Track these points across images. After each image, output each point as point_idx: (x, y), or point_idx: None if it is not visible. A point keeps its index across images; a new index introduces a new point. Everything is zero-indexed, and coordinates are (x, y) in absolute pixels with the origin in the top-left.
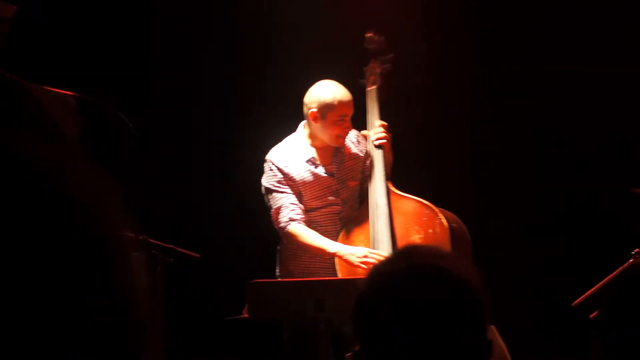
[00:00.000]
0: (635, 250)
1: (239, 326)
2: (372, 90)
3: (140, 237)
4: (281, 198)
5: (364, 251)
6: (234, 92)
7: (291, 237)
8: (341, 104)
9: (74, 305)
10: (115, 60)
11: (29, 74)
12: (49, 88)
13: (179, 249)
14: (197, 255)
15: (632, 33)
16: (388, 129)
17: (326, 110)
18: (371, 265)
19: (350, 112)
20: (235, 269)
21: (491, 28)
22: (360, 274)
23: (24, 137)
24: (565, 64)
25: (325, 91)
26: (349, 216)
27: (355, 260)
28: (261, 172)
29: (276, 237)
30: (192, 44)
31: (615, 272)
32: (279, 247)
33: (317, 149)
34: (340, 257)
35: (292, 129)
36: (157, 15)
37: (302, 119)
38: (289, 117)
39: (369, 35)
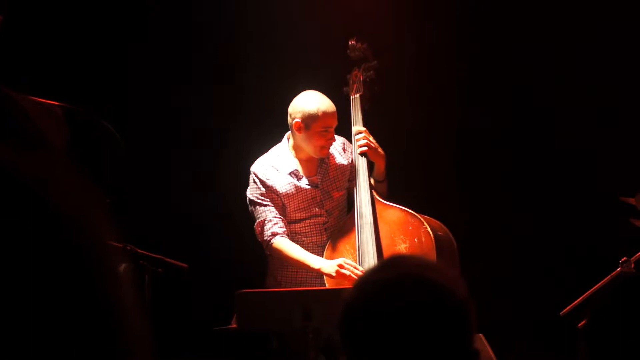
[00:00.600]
0: (623, 259)
1: (228, 336)
2: (355, 98)
3: (128, 247)
4: (264, 211)
5: (338, 261)
6: (219, 101)
7: (275, 252)
8: (325, 114)
9: (62, 314)
10: (100, 70)
11: (14, 84)
12: (35, 98)
13: (167, 259)
14: (185, 265)
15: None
16: (372, 135)
17: (310, 121)
18: (347, 276)
19: (334, 123)
20: (223, 279)
21: (480, 32)
22: (348, 284)
23: (9, 148)
24: (558, 67)
25: (310, 102)
26: (335, 226)
27: (332, 271)
28: (247, 182)
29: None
30: (176, 52)
31: (603, 281)
32: (269, 257)
33: (301, 160)
34: (324, 273)
35: (278, 137)
36: (142, 25)
37: (284, 129)
38: (275, 125)
39: (351, 42)
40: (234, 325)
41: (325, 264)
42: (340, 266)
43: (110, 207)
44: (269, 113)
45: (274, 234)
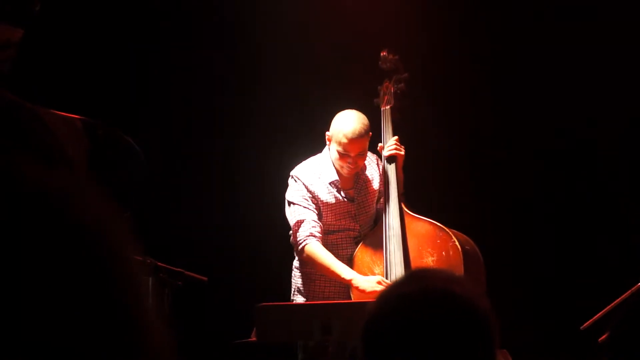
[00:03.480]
0: None
1: (248, 349)
2: (386, 110)
3: (148, 261)
4: (304, 212)
5: (377, 278)
6: (242, 113)
7: (307, 254)
8: (345, 138)
9: (86, 330)
10: (118, 83)
11: (34, 97)
12: (55, 111)
13: (187, 272)
14: (205, 278)
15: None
16: (402, 144)
17: (335, 138)
18: None
19: (353, 151)
20: (243, 292)
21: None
22: (373, 297)
23: (31, 161)
24: (569, 75)
25: (341, 121)
26: (363, 237)
27: (367, 287)
28: (271, 195)
29: (290, 261)
30: (206, 54)
31: (624, 295)
32: (294, 272)
33: (340, 173)
34: (355, 286)
35: (303, 150)
36: (158, 30)
37: (313, 145)
38: (300, 141)
39: (383, 54)
40: (254, 339)
41: (358, 278)
42: (379, 283)
43: (130, 220)
44: (292, 126)
45: (311, 235)
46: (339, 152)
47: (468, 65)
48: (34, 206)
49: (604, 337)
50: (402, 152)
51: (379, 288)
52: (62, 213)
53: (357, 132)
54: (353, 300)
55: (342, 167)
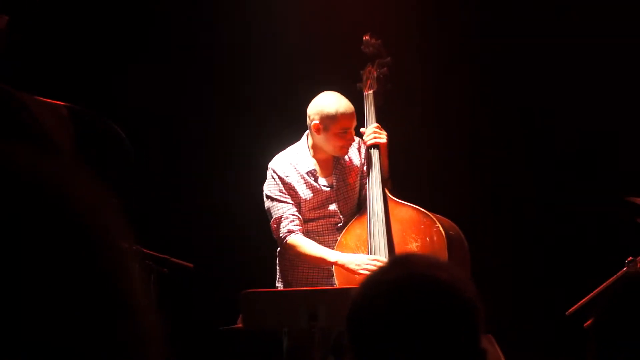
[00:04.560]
0: (629, 259)
1: (233, 336)
2: (369, 95)
3: (134, 247)
4: (281, 208)
5: (364, 258)
6: (226, 100)
7: (290, 249)
8: (344, 116)
9: (79, 316)
10: (103, 69)
11: (20, 83)
12: (40, 98)
13: (173, 259)
14: (191, 265)
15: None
16: (384, 130)
17: (328, 122)
18: (371, 271)
19: (352, 124)
20: (229, 278)
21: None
22: (357, 282)
23: (20, 150)
24: (566, 67)
25: (328, 103)
26: (346, 223)
27: (355, 267)
28: (256, 181)
29: (274, 248)
30: (184, 51)
31: (608, 281)
32: (277, 259)
33: (319, 160)
34: (340, 265)
35: (286, 136)
36: (147, 24)
37: (298, 127)
38: (283, 124)
39: (365, 38)
40: (240, 325)
41: (343, 257)
42: (366, 263)
43: (118, 207)
44: (276, 112)
45: (290, 231)
46: (338, 134)
47: (457, 57)
48: (30, 196)
49: (588, 322)
50: (384, 139)
51: (365, 267)
52: (58, 202)
53: (350, 106)
54: (338, 287)
55: (342, 147)
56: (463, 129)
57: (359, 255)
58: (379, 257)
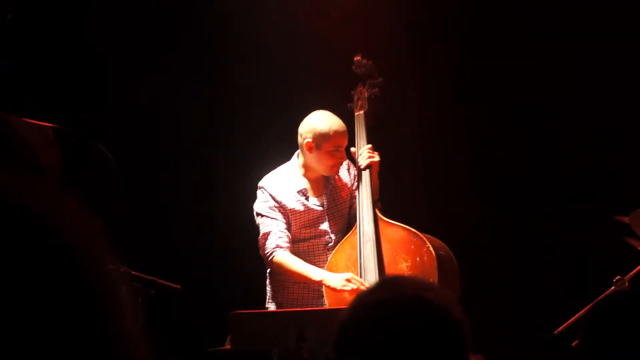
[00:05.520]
0: (617, 278)
1: (222, 357)
2: (359, 115)
3: (121, 269)
4: (270, 224)
5: (347, 275)
6: (212, 121)
7: (276, 265)
8: (336, 134)
9: (67, 343)
10: (90, 92)
11: (4, 105)
12: (27, 120)
13: (160, 281)
14: (178, 286)
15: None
16: (376, 150)
17: (321, 140)
18: (354, 290)
19: (344, 143)
20: (217, 300)
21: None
22: (347, 302)
23: (9, 176)
24: (560, 87)
25: (321, 122)
26: (337, 242)
27: (338, 285)
28: (245, 202)
29: (264, 269)
30: (176, 66)
31: (596, 300)
32: (267, 279)
33: (310, 179)
34: (326, 285)
35: (276, 156)
36: (138, 44)
37: (288, 147)
38: (271, 144)
39: (357, 58)
40: (228, 347)
41: (328, 276)
42: (348, 280)
43: (104, 229)
44: (265, 130)
45: (278, 247)
46: (330, 152)
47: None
48: (17, 221)
49: (576, 342)
50: (377, 159)
51: (350, 286)
52: (45, 227)
53: (341, 124)
54: (327, 307)
55: (333, 166)
56: (458, 143)
57: (344, 274)
58: (363, 281)
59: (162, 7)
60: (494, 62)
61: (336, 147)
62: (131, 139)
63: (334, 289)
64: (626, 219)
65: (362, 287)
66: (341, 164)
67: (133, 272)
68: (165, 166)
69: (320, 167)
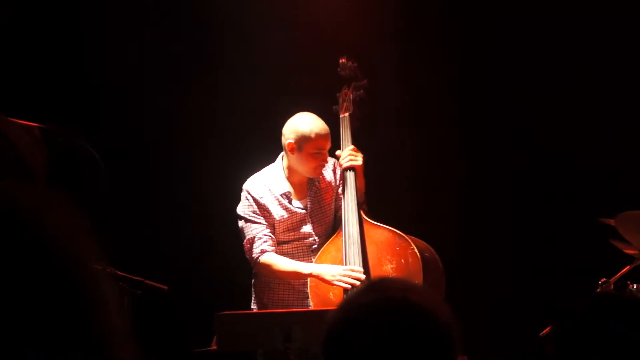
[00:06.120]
0: (602, 280)
1: (208, 358)
2: (345, 117)
3: (108, 270)
4: (255, 229)
5: (338, 269)
6: (199, 120)
7: (263, 268)
8: (318, 136)
9: (54, 343)
10: (76, 93)
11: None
12: (13, 119)
13: (147, 281)
14: (165, 287)
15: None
16: (361, 152)
17: (303, 142)
18: (346, 282)
19: (327, 145)
20: (203, 300)
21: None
22: (332, 303)
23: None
24: (544, 89)
25: (303, 123)
26: (321, 245)
27: (330, 278)
28: (231, 202)
29: (249, 270)
30: (163, 64)
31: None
32: (253, 280)
33: (293, 182)
34: (315, 276)
35: (262, 157)
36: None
37: (273, 149)
38: (258, 145)
39: (342, 61)
40: (214, 347)
41: (318, 268)
42: (340, 274)
43: (91, 229)
44: (250, 132)
45: (263, 251)
46: (312, 154)
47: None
48: (3, 220)
49: (545, 331)
50: (359, 161)
51: (344, 278)
52: (31, 228)
53: (326, 127)
54: (313, 309)
55: (315, 168)
56: (444, 144)
57: (333, 266)
58: (354, 267)
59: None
60: (478, 61)
61: (318, 149)
62: (118, 140)
63: (326, 282)
64: (612, 222)
65: (358, 275)
66: (323, 166)
67: (119, 273)
68: (152, 167)
69: (303, 169)
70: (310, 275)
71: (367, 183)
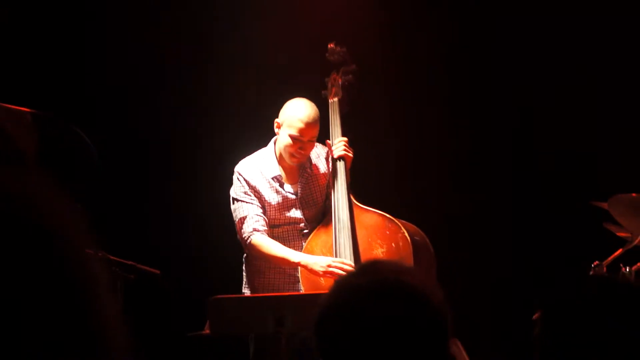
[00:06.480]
0: (595, 263)
1: (201, 342)
2: (334, 102)
3: (100, 254)
4: (247, 209)
5: (327, 260)
6: (194, 105)
7: (254, 248)
8: (300, 122)
9: (43, 326)
10: (70, 74)
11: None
12: (4, 105)
13: (139, 266)
14: (158, 271)
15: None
16: (350, 143)
17: (285, 123)
18: (336, 274)
19: (306, 135)
20: (196, 285)
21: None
22: (323, 287)
23: None
24: (538, 70)
25: (293, 106)
26: (311, 230)
27: (319, 269)
28: (223, 187)
29: (241, 254)
30: (157, 49)
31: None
32: (244, 264)
33: (285, 166)
34: (304, 266)
35: (255, 142)
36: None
37: (265, 134)
38: (252, 130)
39: (330, 46)
40: (207, 332)
41: (307, 259)
42: (330, 266)
43: (82, 213)
44: (245, 118)
45: (255, 230)
46: (291, 137)
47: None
48: None
49: (536, 314)
50: (351, 155)
51: (332, 269)
52: (22, 210)
53: (311, 117)
54: (305, 292)
55: (291, 155)
56: (433, 129)
57: (322, 257)
58: (345, 260)
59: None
60: (469, 49)
61: (297, 133)
62: (110, 125)
63: (314, 273)
64: (604, 205)
65: (343, 273)
66: (301, 157)
67: (112, 257)
68: (145, 151)
69: (282, 151)
70: (299, 264)
71: (354, 167)
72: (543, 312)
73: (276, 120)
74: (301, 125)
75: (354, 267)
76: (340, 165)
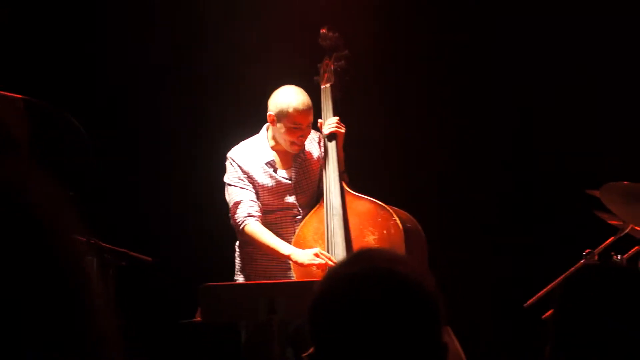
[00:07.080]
0: (586, 251)
1: (192, 329)
2: (326, 88)
3: (92, 241)
4: (240, 194)
5: (314, 251)
6: (185, 92)
7: (247, 234)
8: (296, 111)
9: (33, 312)
10: (65, 62)
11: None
12: None
13: (131, 253)
14: (150, 258)
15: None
16: (343, 124)
17: (281, 116)
18: (321, 265)
19: (304, 121)
20: (188, 272)
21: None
22: (315, 276)
23: None
24: (534, 64)
25: (284, 97)
26: (305, 216)
27: (305, 260)
28: (216, 174)
29: (233, 241)
30: (148, 38)
31: (566, 273)
32: (237, 251)
33: (278, 152)
34: (294, 261)
35: (248, 129)
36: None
37: (258, 120)
38: (245, 116)
39: (323, 31)
40: (199, 319)
41: (296, 252)
42: (316, 255)
43: (74, 201)
44: (237, 105)
45: (249, 215)
46: (289, 128)
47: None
48: None
49: (547, 314)
50: (343, 130)
51: (317, 261)
52: (12, 197)
53: (306, 103)
54: (297, 280)
55: (292, 143)
56: (424, 116)
57: (311, 250)
58: (333, 257)
59: None
60: (461, 36)
61: (295, 124)
62: (102, 112)
63: (301, 265)
64: (597, 193)
65: (330, 263)
66: (301, 142)
67: (104, 244)
68: (137, 138)
69: (282, 142)
70: (289, 257)
71: (346, 157)
72: (555, 311)
73: (269, 113)
74: (297, 113)
75: (345, 244)
76: (332, 147)
